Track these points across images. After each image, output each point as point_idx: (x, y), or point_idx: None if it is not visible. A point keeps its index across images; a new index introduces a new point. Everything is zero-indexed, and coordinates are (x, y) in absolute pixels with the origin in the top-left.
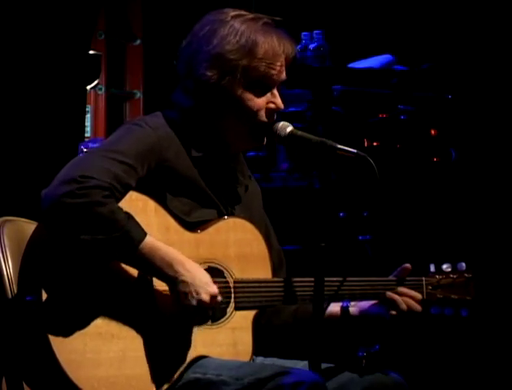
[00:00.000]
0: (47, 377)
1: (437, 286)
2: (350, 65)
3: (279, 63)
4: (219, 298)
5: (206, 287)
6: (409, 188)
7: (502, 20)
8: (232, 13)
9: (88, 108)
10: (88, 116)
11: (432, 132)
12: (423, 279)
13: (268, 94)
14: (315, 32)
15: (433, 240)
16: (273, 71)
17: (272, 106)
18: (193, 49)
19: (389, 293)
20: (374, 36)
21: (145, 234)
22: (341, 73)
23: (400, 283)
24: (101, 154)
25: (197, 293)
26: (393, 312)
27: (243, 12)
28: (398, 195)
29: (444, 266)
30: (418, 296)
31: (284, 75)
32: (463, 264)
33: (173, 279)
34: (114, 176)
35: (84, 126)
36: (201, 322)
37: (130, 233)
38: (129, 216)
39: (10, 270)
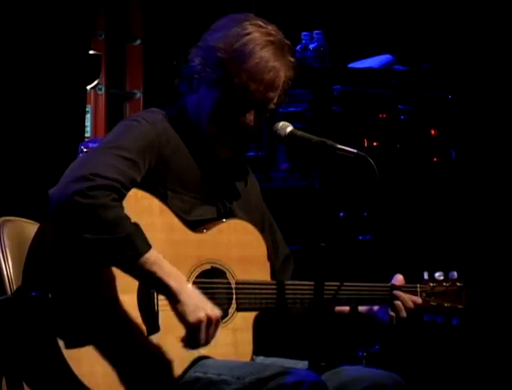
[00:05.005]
0: (50, 373)
1: (431, 293)
2: (350, 65)
3: (265, 81)
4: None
5: (208, 307)
6: (409, 188)
7: (502, 20)
8: (253, 20)
9: (89, 108)
10: (88, 116)
11: (432, 132)
12: (418, 286)
13: (244, 111)
14: (315, 32)
15: (433, 240)
16: (254, 87)
17: (242, 119)
18: (202, 38)
19: (397, 294)
20: (374, 36)
21: (149, 247)
22: (341, 73)
23: (395, 290)
24: (107, 152)
25: (205, 309)
26: (394, 321)
27: (262, 23)
28: (398, 195)
29: (437, 274)
30: (419, 300)
31: (270, 100)
32: (455, 273)
33: (180, 291)
34: (122, 173)
35: (84, 126)
36: (191, 344)
37: (134, 240)
38: (137, 225)
39: (10, 270)
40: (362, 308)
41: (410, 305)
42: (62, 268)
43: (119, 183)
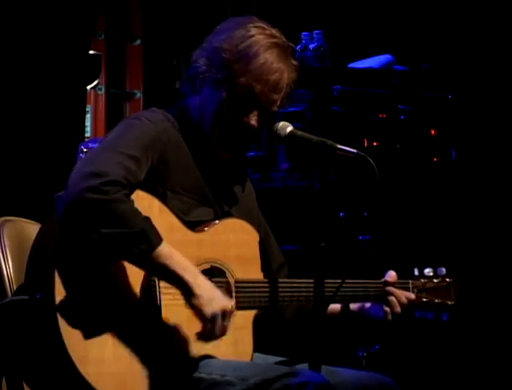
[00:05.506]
0: (54, 374)
1: (422, 289)
2: (350, 65)
3: (269, 82)
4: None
5: (226, 298)
6: (409, 188)
7: (502, 20)
8: (256, 22)
9: (89, 108)
10: (88, 116)
11: (432, 132)
12: (410, 282)
13: (247, 111)
14: (315, 32)
15: (432, 240)
16: (259, 88)
17: (245, 120)
18: (206, 40)
19: (390, 289)
20: (374, 36)
21: (161, 239)
22: (341, 73)
23: (389, 286)
24: (111, 150)
25: (218, 301)
26: (389, 317)
27: (266, 26)
28: (398, 195)
29: (426, 271)
30: (412, 296)
31: (274, 102)
32: (443, 269)
33: (192, 283)
34: (129, 171)
35: (84, 126)
36: (206, 336)
37: (148, 233)
38: (148, 219)
39: (10, 270)
40: (354, 306)
41: (404, 300)
42: (66, 269)
43: (126, 180)
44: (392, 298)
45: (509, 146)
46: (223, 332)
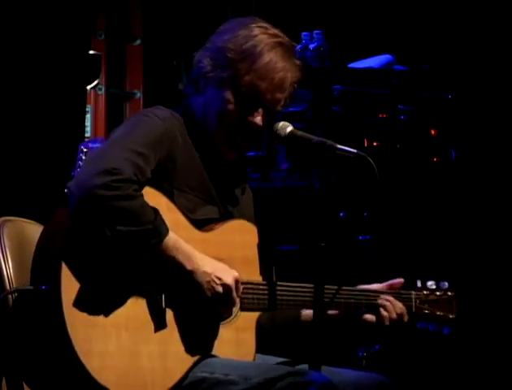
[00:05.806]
0: (55, 371)
1: (425, 301)
2: (350, 65)
3: (274, 81)
4: (240, 282)
5: (227, 272)
6: (409, 188)
7: (502, 20)
8: (259, 23)
9: (89, 108)
10: (88, 116)
11: (432, 132)
12: (413, 292)
13: (252, 110)
14: (315, 32)
15: (432, 241)
16: (264, 86)
17: (250, 119)
18: (210, 40)
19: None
20: (374, 36)
21: (168, 229)
22: (341, 73)
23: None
24: (121, 147)
25: (220, 278)
26: (368, 316)
27: (269, 26)
28: (398, 195)
29: (429, 283)
30: (404, 310)
31: (278, 101)
32: (446, 283)
33: (194, 271)
34: (138, 168)
35: (84, 126)
36: (222, 314)
37: (158, 227)
38: (156, 211)
39: (10, 270)
40: (331, 311)
41: (398, 310)
42: (72, 263)
43: (136, 177)
44: (388, 304)
45: (509, 146)
46: (232, 304)
